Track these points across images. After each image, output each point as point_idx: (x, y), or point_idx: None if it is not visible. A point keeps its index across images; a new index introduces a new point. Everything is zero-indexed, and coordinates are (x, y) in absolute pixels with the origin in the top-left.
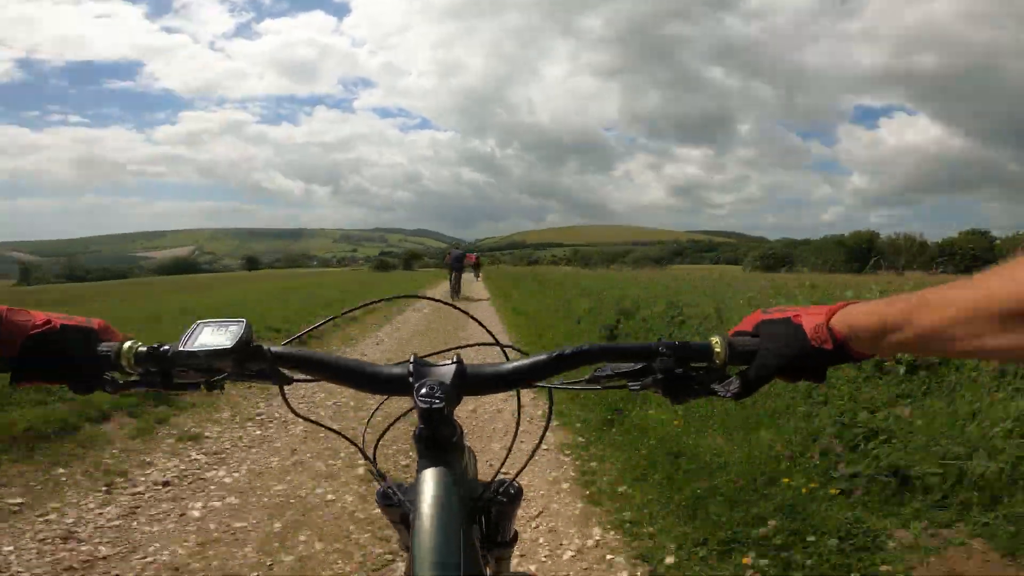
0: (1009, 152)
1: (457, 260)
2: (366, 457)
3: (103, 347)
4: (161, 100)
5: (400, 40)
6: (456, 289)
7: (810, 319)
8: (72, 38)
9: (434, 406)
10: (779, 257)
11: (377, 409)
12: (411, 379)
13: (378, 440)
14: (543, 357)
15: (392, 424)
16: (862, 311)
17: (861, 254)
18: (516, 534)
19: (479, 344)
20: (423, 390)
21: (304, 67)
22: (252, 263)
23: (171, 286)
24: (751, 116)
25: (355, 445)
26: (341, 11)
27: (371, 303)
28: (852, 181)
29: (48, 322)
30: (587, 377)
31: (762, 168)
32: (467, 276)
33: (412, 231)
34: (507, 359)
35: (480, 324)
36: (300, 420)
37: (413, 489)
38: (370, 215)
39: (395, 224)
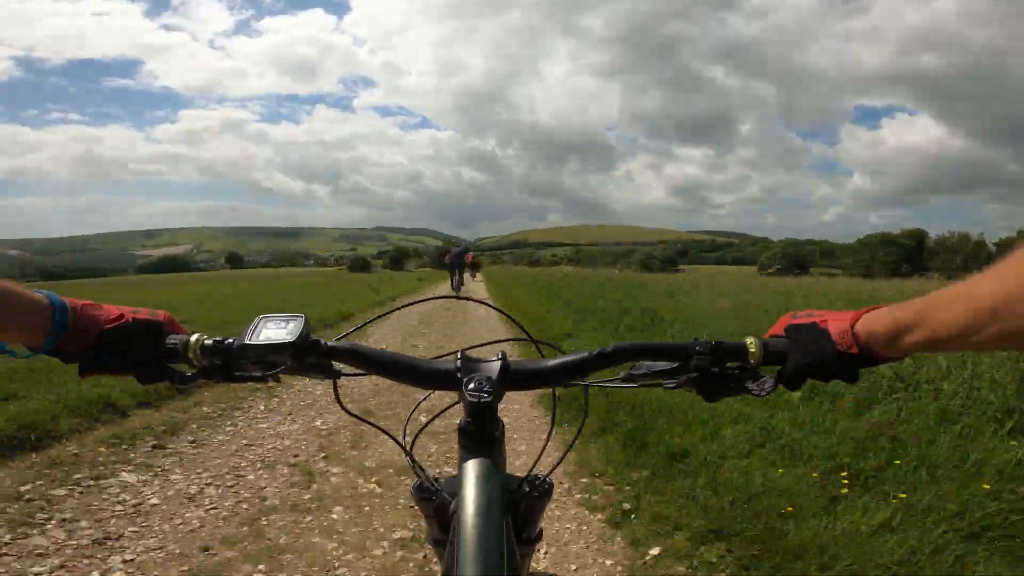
0: (1009, 152)
1: (457, 258)
2: (405, 451)
3: (171, 340)
4: (161, 98)
5: (401, 39)
6: (458, 288)
7: (836, 324)
8: (71, 36)
9: (483, 400)
10: (800, 257)
11: (419, 404)
12: (459, 374)
13: (416, 434)
14: (584, 354)
15: (434, 418)
16: (881, 315)
17: (909, 254)
18: (541, 531)
19: (517, 339)
20: (471, 385)
21: (304, 66)
22: (236, 261)
23: (147, 285)
24: (752, 116)
25: (395, 440)
26: (341, 9)
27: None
28: (853, 181)
29: (121, 316)
30: (623, 375)
31: (763, 168)
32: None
33: (412, 230)
34: (542, 355)
35: (518, 324)
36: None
37: (453, 481)
38: (371, 214)
39: (396, 224)
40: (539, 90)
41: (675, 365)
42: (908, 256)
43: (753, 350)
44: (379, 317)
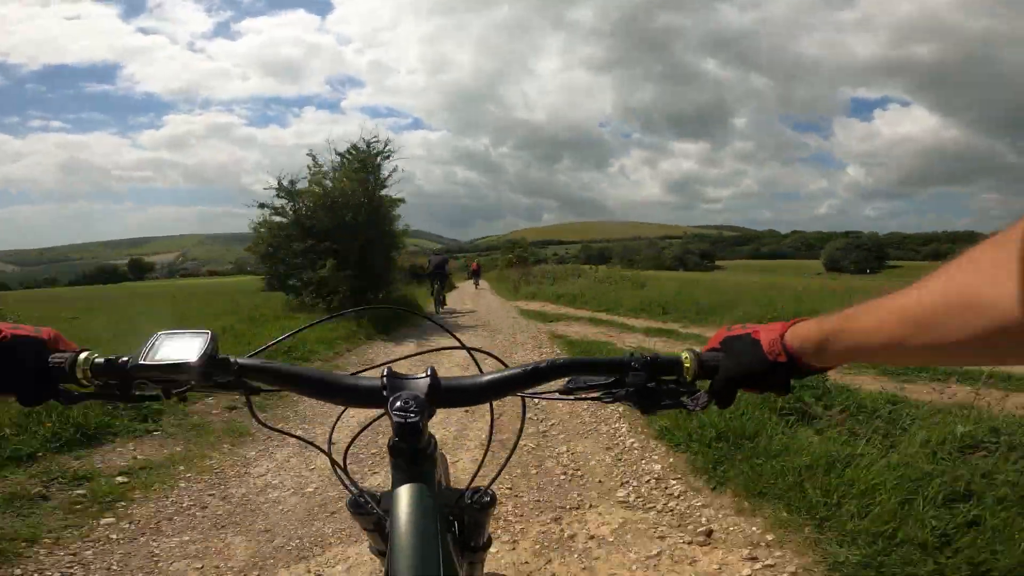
0: (1006, 141)
1: (439, 267)
2: (335, 465)
3: (55, 358)
4: (143, 104)
5: (387, 37)
6: (440, 302)
7: (767, 334)
8: (45, 41)
9: (408, 420)
10: (877, 248)
11: (339, 417)
12: (385, 392)
13: (347, 448)
14: (518, 371)
15: (359, 433)
16: (810, 325)
17: None
18: (490, 538)
19: (446, 348)
20: (397, 404)
21: (289, 67)
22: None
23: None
24: (747, 109)
25: (324, 453)
26: (324, 8)
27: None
28: (847, 174)
29: None
30: (559, 388)
31: (759, 162)
32: (467, 284)
33: (408, 232)
34: (480, 370)
35: (452, 333)
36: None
37: (388, 498)
38: None
39: None
40: (531, 87)
41: (612, 379)
42: None
43: (688, 364)
44: (291, 335)
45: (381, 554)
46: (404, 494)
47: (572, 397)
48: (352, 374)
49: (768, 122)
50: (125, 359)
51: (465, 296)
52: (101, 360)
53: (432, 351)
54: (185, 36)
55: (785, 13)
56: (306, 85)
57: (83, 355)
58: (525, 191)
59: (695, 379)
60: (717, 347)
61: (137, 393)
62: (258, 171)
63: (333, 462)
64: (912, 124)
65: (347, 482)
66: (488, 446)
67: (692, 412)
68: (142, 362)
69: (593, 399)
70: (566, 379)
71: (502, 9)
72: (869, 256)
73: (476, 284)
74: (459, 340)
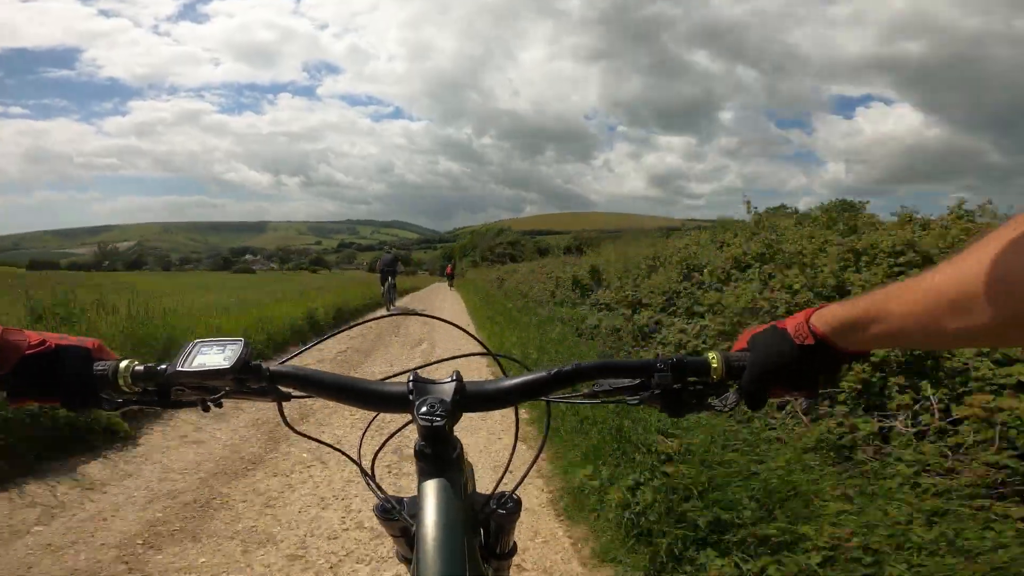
0: (990, 140)
1: (388, 265)
2: (363, 472)
3: (99, 366)
4: (107, 89)
5: (366, 21)
6: (390, 299)
7: (792, 321)
8: (1, 24)
9: (435, 424)
10: None
11: (371, 424)
12: (411, 396)
13: (375, 454)
14: (542, 374)
15: (388, 439)
16: (834, 308)
17: None
18: (515, 545)
19: (476, 354)
20: (423, 408)
21: (263, 52)
22: (165, 263)
23: None
24: (734, 103)
25: (352, 460)
26: None
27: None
28: (828, 171)
29: (43, 342)
30: (585, 391)
31: (743, 158)
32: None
33: (385, 223)
34: (504, 374)
35: (475, 338)
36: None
37: (414, 503)
38: (343, 208)
39: (369, 217)
40: (515, 76)
41: (637, 381)
42: None
43: (715, 365)
44: (321, 340)
45: (406, 560)
46: (429, 492)
47: (598, 400)
48: (380, 380)
49: (754, 117)
50: (163, 366)
51: (432, 296)
52: (141, 368)
53: (459, 357)
54: (149, 19)
55: (778, 6)
56: (281, 71)
57: (124, 363)
58: (508, 182)
59: (723, 380)
60: (744, 347)
61: (174, 399)
62: (232, 159)
63: (362, 470)
64: (896, 122)
65: (374, 488)
66: (513, 451)
67: (721, 413)
68: (180, 369)
69: (618, 402)
70: (591, 383)
71: None
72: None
73: (450, 286)
74: (485, 346)
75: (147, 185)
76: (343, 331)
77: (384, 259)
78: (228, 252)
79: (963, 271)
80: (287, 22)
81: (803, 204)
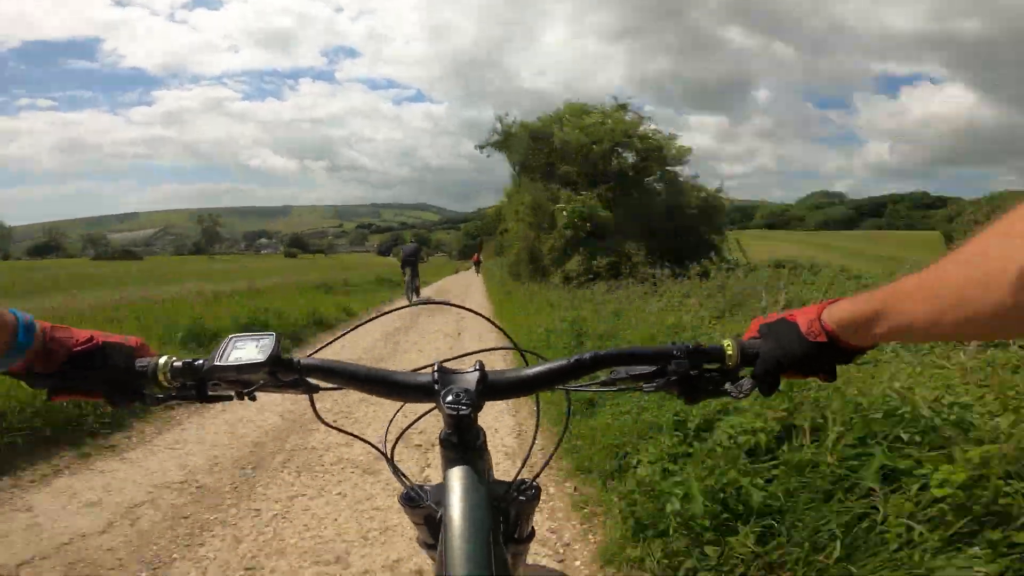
0: None
1: (411, 255)
2: (388, 460)
3: (140, 363)
4: (131, 79)
5: (381, 3)
6: (413, 289)
7: (804, 316)
8: (17, 17)
9: (461, 412)
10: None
11: (396, 414)
12: (436, 386)
13: (395, 443)
14: (563, 362)
15: (410, 426)
16: (846, 304)
17: None
18: (533, 531)
19: (499, 348)
20: (449, 397)
21: (281, 38)
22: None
23: None
24: (770, 82)
25: (377, 449)
26: None
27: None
28: (869, 152)
29: (91, 339)
30: (603, 379)
31: (778, 139)
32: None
33: (409, 205)
34: (526, 363)
35: (500, 328)
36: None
37: (439, 490)
38: (368, 192)
39: (394, 200)
40: (538, 55)
41: (654, 369)
42: None
43: (731, 352)
44: (352, 329)
45: (429, 547)
46: (455, 476)
47: (615, 388)
48: (406, 372)
49: (791, 96)
50: (201, 361)
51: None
52: (179, 363)
53: (487, 350)
54: (164, 7)
55: None
56: (300, 56)
57: (163, 359)
58: None
59: (737, 367)
60: (756, 335)
61: (211, 394)
62: (257, 146)
63: (387, 459)
64: (945, 100)
65: (399, 476)
66: (534, 438)
67: (736, 399)
68: (217, 363)
69: (635, 389)
70: (608, 371)
71: None
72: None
73: (477, 272)
74: (512, 340)
75: (179, 173)
76: (360, 326)
77: (406, 249)
78: (242, 237)
79: (970, 263)
80: (301, 6)
81: (843, 186)
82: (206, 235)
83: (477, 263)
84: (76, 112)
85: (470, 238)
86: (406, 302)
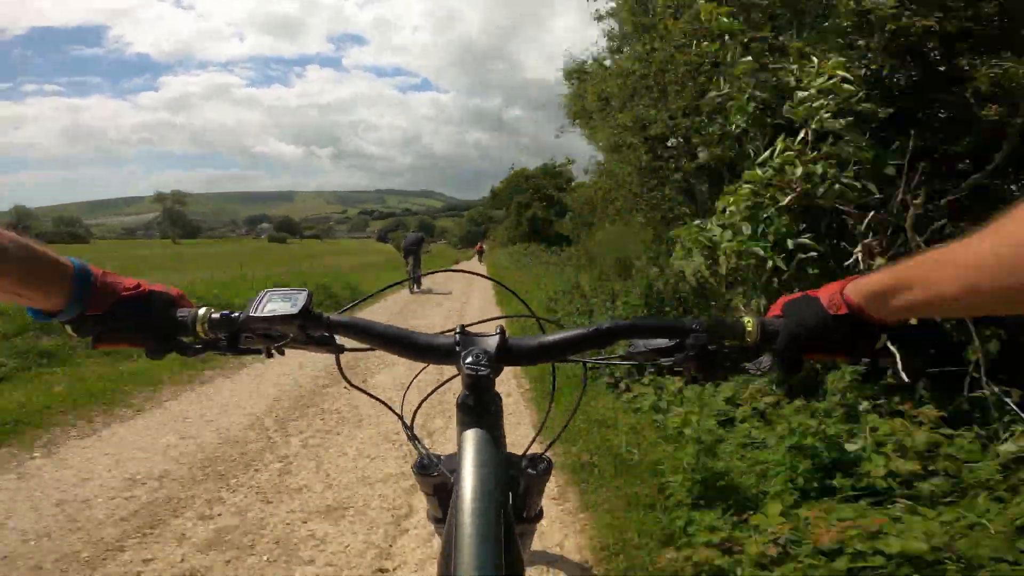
0: None
1: (413, 244)
2: (405, 426)
3: (180, 312)
4: (138, 65)
5: None
6: (415, 279)
7: (827, 291)
8: (24, 3)
9: (480, 373)
10: None
11: (416, 378)
12: (458, 348)
13: (416, 409)
14: (582, 331)
15: (432, 392)
16: (871, 278)
17: None
18: (541, 511)
19: (519, 316)
20: (469, 359)
21: (287, 24)
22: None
23: None
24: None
25: (396, 414)
26: None
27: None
28: None
29: (138, 286)
30: (621, 353)
31: None
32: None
33: (413, 192)
34: (542, 331)
35: (519, 298)
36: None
37: (451, 460)
38: (374, 179)
39: (398, 187)
40: (546, 45)
41: (673, 343)
42: None
43: (751, 328)
44: (377, 292)
45: (438, 521)
46: (470, 438)
47: (633, 361)
48: (429, 334)
49: None
50: (237, 314)
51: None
52: (217, 315)
53: (507, 317)
54: None
55: None
56: (306, 43)
57: (202, 310)
58: (539, 155)
59: (757, 345)
60: (779, 314)
61: (242, 347)
62: (263, 132)
63: (404, 424)
64: None
65: (415, 442)
66: (548, 411)
67: (755, 377)
68: (252, 315)
69: (652, 363)
70: (627, 343)
71: None
72: None
73: (480, 260)
74: (530, 308)
75: (185, 159)
76: (368, 297)
77: (409, 238)
78: (243, 221)
79: (1005, 235)
80: None
81: None
82: (169, 216)
83: (480, 252)
84: (82, 98)
85: (474, 224)
86: (408, 294)
